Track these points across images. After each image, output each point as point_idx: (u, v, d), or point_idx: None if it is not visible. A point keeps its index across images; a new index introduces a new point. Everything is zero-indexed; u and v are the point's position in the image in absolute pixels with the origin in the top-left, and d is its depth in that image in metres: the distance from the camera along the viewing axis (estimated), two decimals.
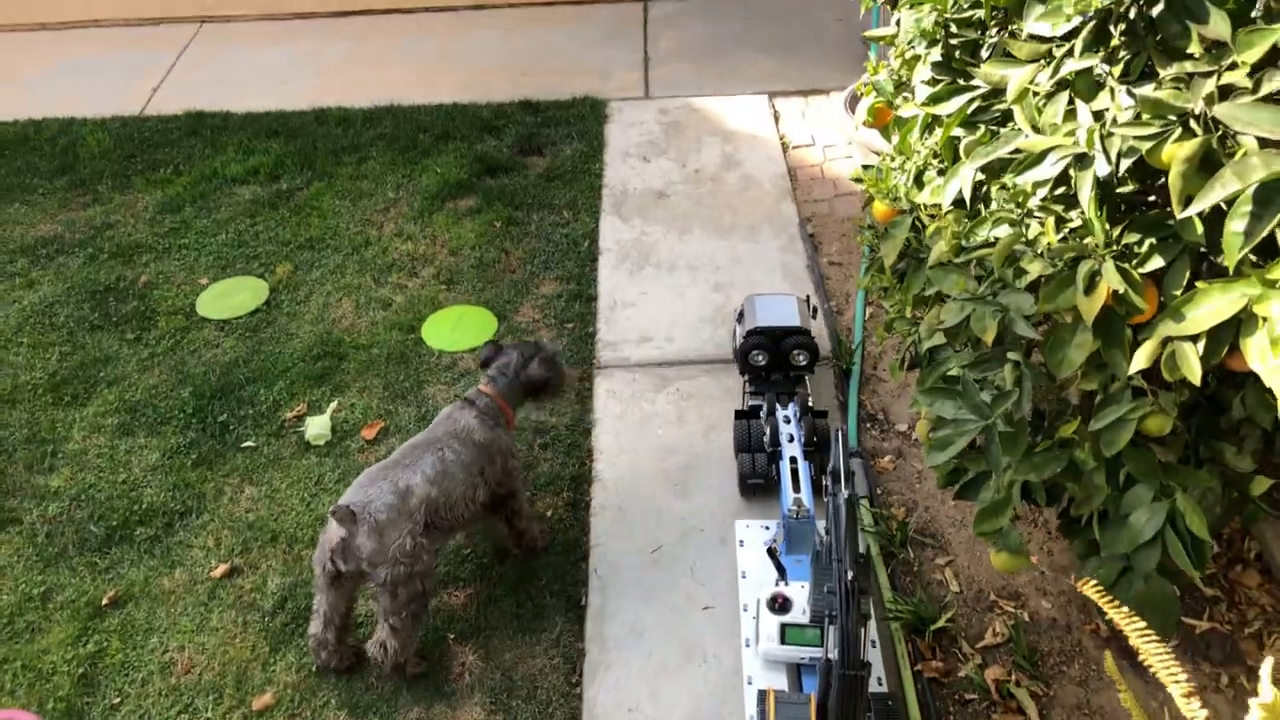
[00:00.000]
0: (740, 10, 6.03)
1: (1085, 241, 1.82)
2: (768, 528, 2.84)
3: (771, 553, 2.58)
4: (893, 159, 2.72)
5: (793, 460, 2.75)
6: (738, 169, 4.62)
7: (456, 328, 3.76)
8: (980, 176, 2.14)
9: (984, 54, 2.30)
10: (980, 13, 2.25)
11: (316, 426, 3.33)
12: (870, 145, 4.39)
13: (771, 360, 3.14)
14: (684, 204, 4.43)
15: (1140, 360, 1.74)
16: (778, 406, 3.01)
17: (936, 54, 2.36)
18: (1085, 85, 1.87)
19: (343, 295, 4.00)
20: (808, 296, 3.34)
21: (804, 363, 3.13)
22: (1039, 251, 1.89)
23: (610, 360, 3.61)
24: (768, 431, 2.96)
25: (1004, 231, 1.98)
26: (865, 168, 2.71)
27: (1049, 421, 2.22)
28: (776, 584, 2.52)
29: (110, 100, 5.48)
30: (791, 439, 2.84)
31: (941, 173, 2.39)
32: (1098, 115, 1.84)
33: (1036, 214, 1.94)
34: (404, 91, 5.40)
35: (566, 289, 3.96)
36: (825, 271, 3.98)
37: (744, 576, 2.71)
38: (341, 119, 5.19)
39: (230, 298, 3.99)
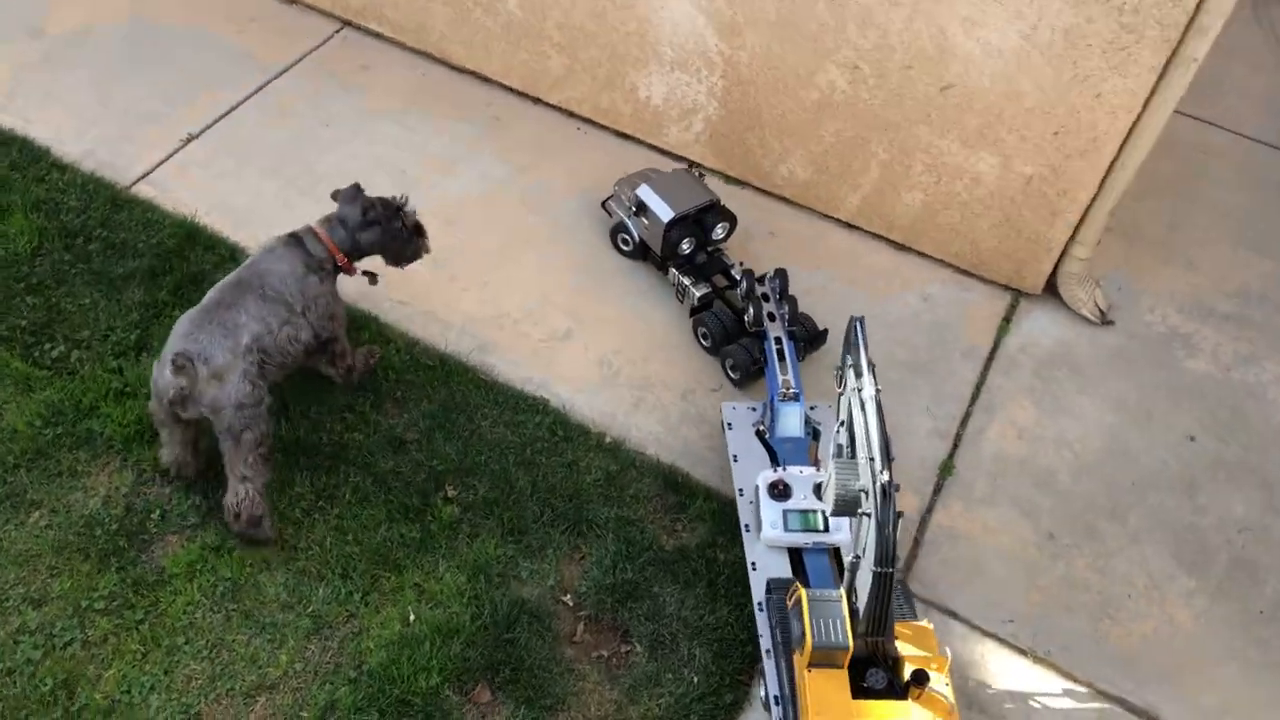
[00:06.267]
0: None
1: None
2: (754, 409, 2.75)
3: (760, 435, 2.65)
4: None
5: (778, 340, 2.75)
6: None
7: None
8: None
9: None
10: None
11: None
12: None
13: (696, 244, 3.03)
14: None
15: None
16: (756, 285, 2.89)
17: None
18: None
19: None
20: (690, 163, 3.40)
21: (722, 236, 3.06)
22: None
23: None
24: (750, 312, 2.83)
25: None
26: None
27: None
28: (775, 469, 2.51)
29: (107, 147, 3.46)
30: (773, 318, 2.81)
31: None
32: None
33: None
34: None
35: None
36: None
37: (735, 460, 2.63)
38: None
39: None
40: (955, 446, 2.86)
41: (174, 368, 2.28)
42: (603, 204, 3.25)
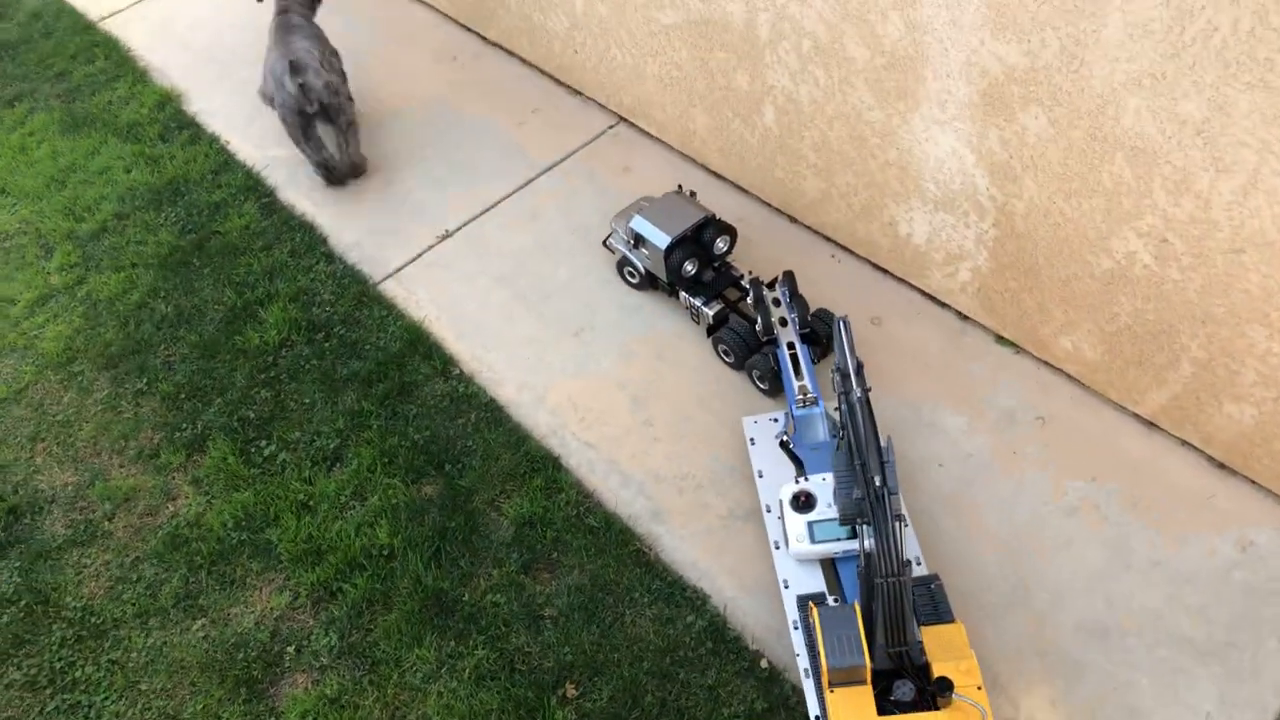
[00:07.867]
0: None
1: None
2: (775, 420, 2.73)
3: (784, 445, 2.60)
4: None
5: (790, 345, 2.73)
6: None
7: None
8: None
9: None
10: None
11: None
12: None
13: (700, 263, 2.99)
14: None
15: None
16: (765, 292, 2.88)
17: None
18: None
19: None
20: (679, 186, 3.19)
21: (725, 249, 3.03)
22: None
23: None
24: (759, 320, 2.80)
25: None
26: None
27: None
28: (796, 480, 2.47)
29: (374, 239, 3.59)
30: (785, 323, 2.80)
31: None
32: None
33: None
34: None
35: None
36: None
37: (760, 476, 2.61)
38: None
39: None
40: None
41: (294, 68, 3.37)
42: (604, 243, 3.29)
